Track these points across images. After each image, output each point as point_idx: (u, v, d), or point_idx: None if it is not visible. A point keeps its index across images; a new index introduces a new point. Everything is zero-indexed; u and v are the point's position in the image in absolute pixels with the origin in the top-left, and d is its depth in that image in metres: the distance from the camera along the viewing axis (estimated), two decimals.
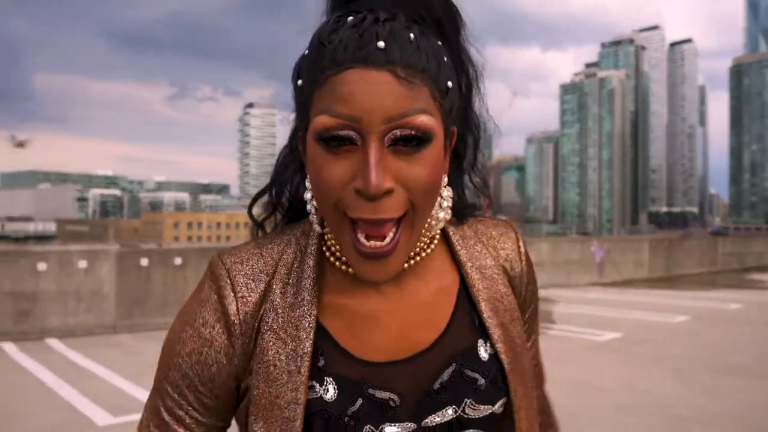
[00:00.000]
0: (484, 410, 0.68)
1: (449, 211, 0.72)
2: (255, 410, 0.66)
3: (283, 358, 0.65)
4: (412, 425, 0.66)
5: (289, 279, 0.69)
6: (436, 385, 0.68)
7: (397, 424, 0.66)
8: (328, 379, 0.66)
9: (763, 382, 5.37)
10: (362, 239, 0.62)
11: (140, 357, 6.59)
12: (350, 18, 0.62)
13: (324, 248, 0.71)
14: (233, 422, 0.73)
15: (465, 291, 0.73)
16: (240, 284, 0.68)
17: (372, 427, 0.65)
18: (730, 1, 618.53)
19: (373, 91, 0.58)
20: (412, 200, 0.62)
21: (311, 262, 0.69)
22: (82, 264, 7.80)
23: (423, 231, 0.69)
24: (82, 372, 5.87)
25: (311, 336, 0.66)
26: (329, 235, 0.71)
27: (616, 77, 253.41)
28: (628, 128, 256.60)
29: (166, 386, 0.70)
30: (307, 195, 0.69)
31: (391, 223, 0.62)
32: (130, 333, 7.83)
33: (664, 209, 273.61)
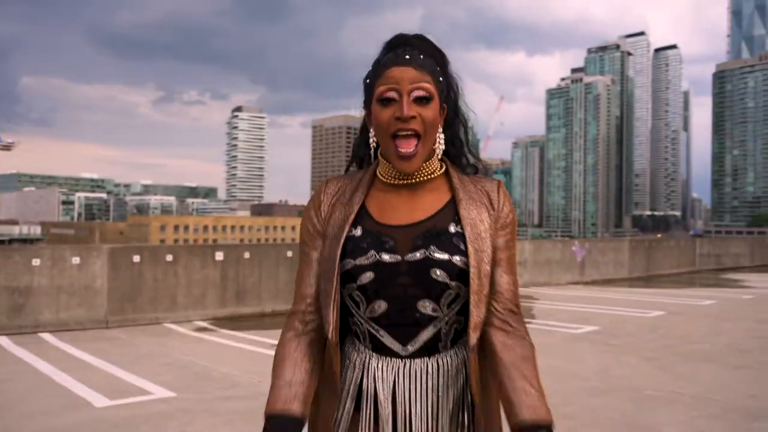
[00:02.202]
0: (444, 256, 1.18)
1: (443, 146, 1.28)
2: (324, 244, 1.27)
3: (340, 220, 1.24)
4: (398, 257, 1.19)
5: (354, 186, 1.29)
6: (417, 240, 1.20)
7: (389, 255, 1.19)
8: (359, 227, 1.23)
9: (728, 367, 5.68)
10: (400, 147, 1.19)
11: (134, 348, 6.79)
12: (392, 51, 1.24)
13: (377, 172, 1.29)
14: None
15: (453, 203, 1.25)
16: (329, 186, 1.30)
17: (375, 252, 1.19)
18: (714, 9, 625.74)
19: (403, 71, 1.19)
20: (424, 126, 1.19)
21: (367, 178, 1.29)
22: (75, 260, 7.96)
23: (431, 157, 1.26)
24: (76, 362, 6.05)
25: (355, 209, 1.24)
26: (380, 165, 1.28)
27: (601, 82, 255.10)
28: (613, 133, 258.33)
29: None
30: (372, 138, 1.29)
31: (415, 138, 1.19)
32: (121, 327, 8.01)
33: (648, 213, 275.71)
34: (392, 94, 1.18)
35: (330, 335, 1.18)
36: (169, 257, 8.75)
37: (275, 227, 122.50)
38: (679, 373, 5.50)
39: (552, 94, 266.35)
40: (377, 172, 1.29)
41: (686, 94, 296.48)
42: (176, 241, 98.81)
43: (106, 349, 6.67)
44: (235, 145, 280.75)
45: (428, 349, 1.21)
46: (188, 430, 3.81)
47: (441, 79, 1.23)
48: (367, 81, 1.24)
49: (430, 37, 1.29)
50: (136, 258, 8.46)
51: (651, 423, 4.02)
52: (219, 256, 9.13)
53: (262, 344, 6.90)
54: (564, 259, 14.89)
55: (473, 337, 1.17)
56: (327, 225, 1.26)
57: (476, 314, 1.18)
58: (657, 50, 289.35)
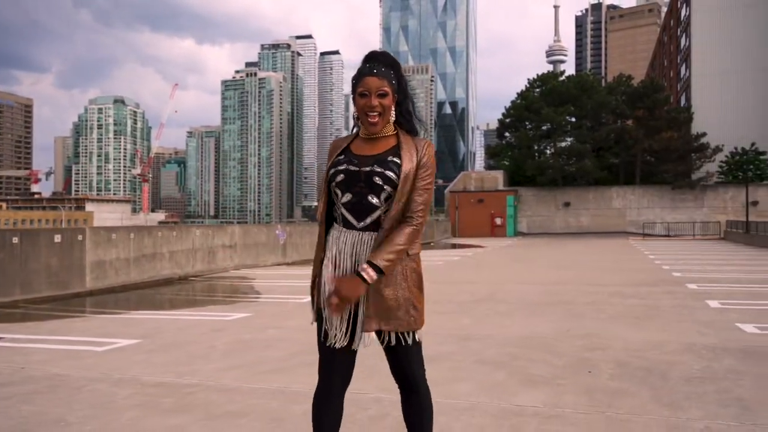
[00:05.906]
0: (380, 170, 2.12)
1: (394, 117, 2.22)
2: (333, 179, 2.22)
3: (335, 155, 2.25)
4: (358, 168, 2.14)
5: (347, 139, 2.29)
6: (370, 161, 2.15)
7: (354, 167, 2.15)
8: (343, 155, 2.21)
9: (434, 314, 7.17)
10: (370, 119, 2.16)
11: None
12: (367, 64, 2.20)
13: (359, 130, 2.26)
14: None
15: (396, 149, 2.18)
16: (336, 141, 2.31)
17: (346, 165, 2.16)
18: (367, 22, 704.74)
19: (371, 81, 2.15)
20: (383, 108, 2.16)
21: (354, 134, 2.30)
22: None
23: (387, 123, 2.19)
24: None
25: (343, 146, 2.25)
26: (361, 128, 2.25)
27: (274, 79, 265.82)
28: (285, 128, 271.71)
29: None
30: (354, 114, 2.28)
31: (377, 115, 2.16)
32: None
33: (315, 204, 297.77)
34: (366, 92, 2.14)
35: (319, 216, 2.24)
36: None
37: None
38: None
39: (227, 85, 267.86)
40: (360, 132, 2.26)
41: (347, 97, 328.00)
42: None
43: None
44: None
45: (373, 227, 2.13)
46: None
47: (393, 81, 2.18)
48: (354, 82, 2.20)
49: (389, 51, 2.33)
50: None
51: None
52: None
53: None
54: (269, 242, 15.83)
55: (389, 220, 2.10)
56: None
57: (395, 206, 2.09)
58: (323, 54, 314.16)
